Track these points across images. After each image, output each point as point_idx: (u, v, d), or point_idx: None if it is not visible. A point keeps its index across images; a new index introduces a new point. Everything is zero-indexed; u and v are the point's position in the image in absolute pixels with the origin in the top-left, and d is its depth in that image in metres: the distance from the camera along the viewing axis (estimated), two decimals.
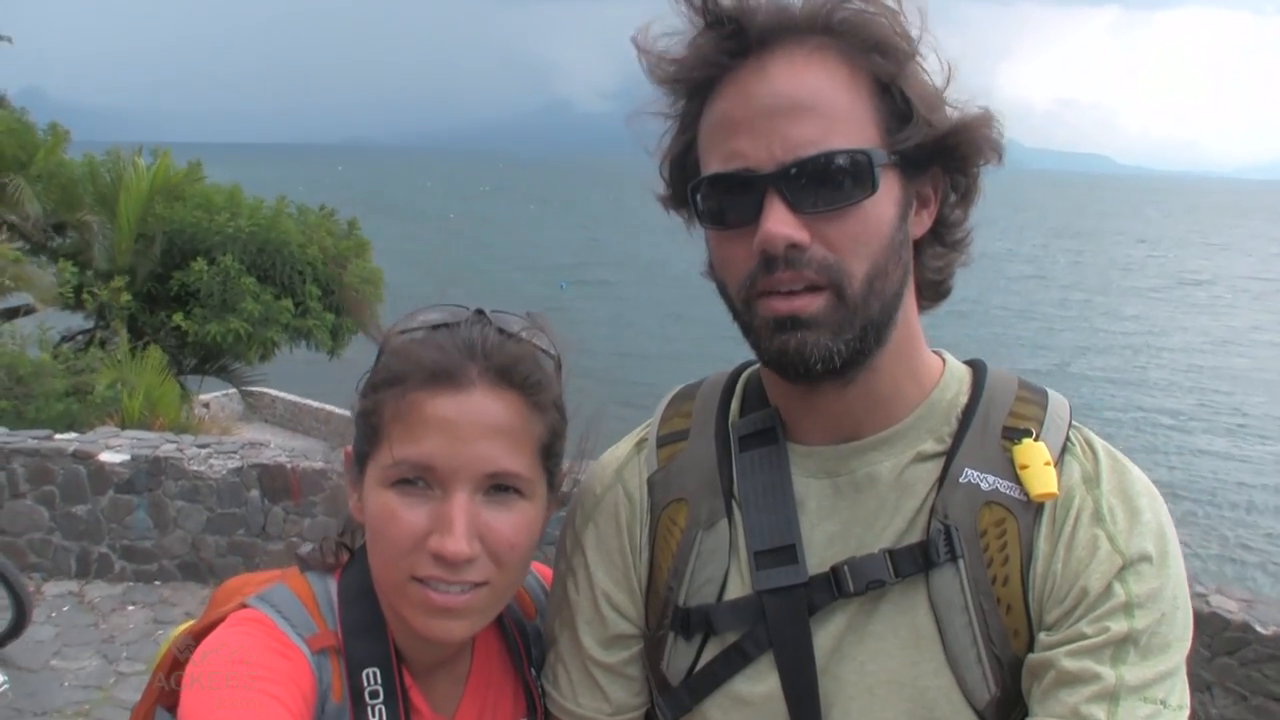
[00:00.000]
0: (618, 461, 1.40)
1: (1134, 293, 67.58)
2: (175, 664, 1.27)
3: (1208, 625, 5.71)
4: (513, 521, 1.19)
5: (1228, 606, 5.82)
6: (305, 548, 1.35)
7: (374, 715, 1.20)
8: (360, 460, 1.24)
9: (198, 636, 1.22)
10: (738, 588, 1.24)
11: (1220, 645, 5.72)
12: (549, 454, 1.26)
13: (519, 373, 1.20)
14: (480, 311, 1.27)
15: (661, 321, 44.44)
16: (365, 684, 1.21)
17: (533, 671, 1.40)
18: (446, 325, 1.24)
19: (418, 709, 1.26)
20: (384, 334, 1.28)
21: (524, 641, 1.42)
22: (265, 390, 20.87)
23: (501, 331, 1.24)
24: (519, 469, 1.19)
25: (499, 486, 1.18)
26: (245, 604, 1.23)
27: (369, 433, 1.21)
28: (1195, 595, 5.84)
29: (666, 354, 37.61)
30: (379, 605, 1.25)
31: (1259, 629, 5.64)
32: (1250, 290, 71.81)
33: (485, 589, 1.19)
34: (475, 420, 1.16)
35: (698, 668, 1.26)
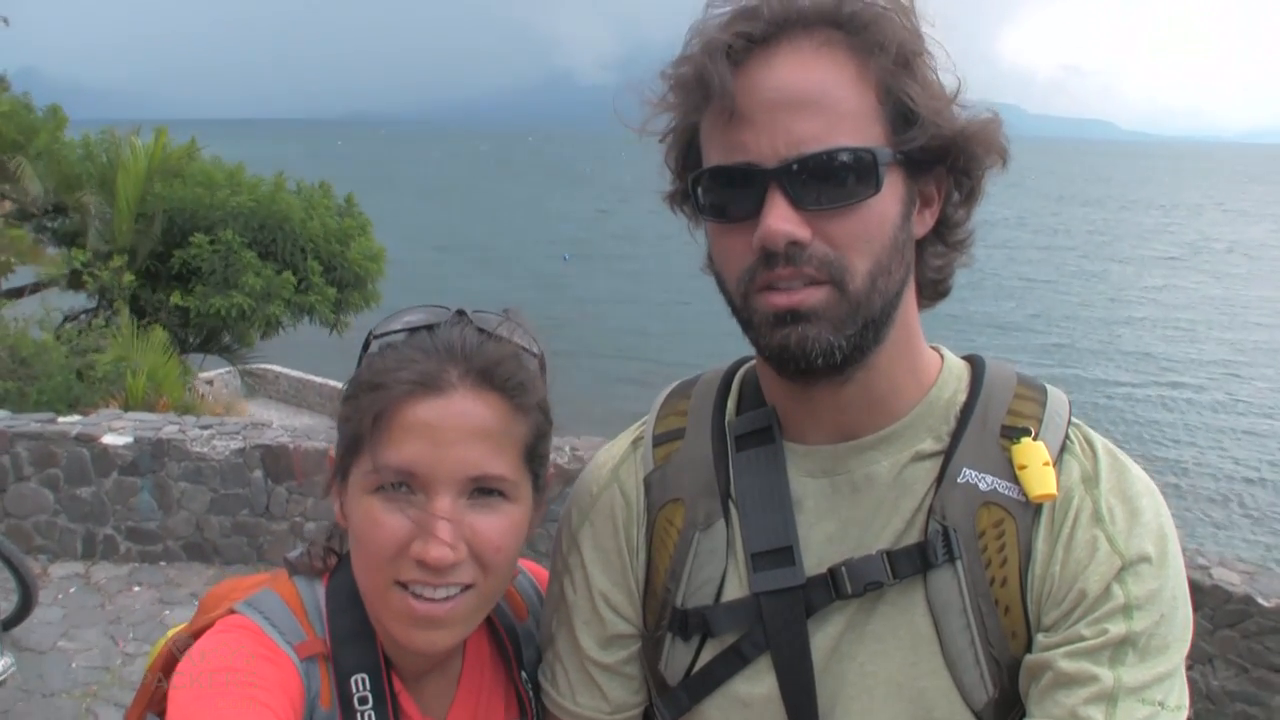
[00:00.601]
0: (613, 460, 1.39)
1: (1151, 261, 66.00)
2: (169, 664, 1.26)
3: (1210, 598, 5.71)
4: (497, 525, 1.18)
5: (1230, 579, 5.82)
6: (294, 552, 1.33)
7: None
8: (343, 466, 1.23)
9: (186, 643, 1.21)
10: (735, 589, 1.24)
11: (1222, 618, 5.73)
12: (533, 455, 1.24)
13: (501, 374, 1.19)
14: (461, 312, 1.25)
15: (666, 294, 44.18)
16: (354, 690, 1.20)
17: (522, 674, 1.40)
18: (426, 328, 1.22)
19: (408, 714, 1.26)
20: (365, 337, 1.26)
21: (514, 645, 1.41)
22: (269, 367, 20.91)
23: (482, 332, 1.22)
24: (502, 472, 1.17)
25: (483, 490, 1.17)
26: (233, 610, 1.22)
27: (351, 438, 1.19)
28: (1198, 568, 5.84)
29: (669, 331, 37.38)
30: (367, 611, 1.24)
31: (1261, 601, 5.64)
32: (1266, 257, 70.33)
33: (470, 593, 1.18)
34: (457, 424, 1.15)
35: (696, 668, 1.26)
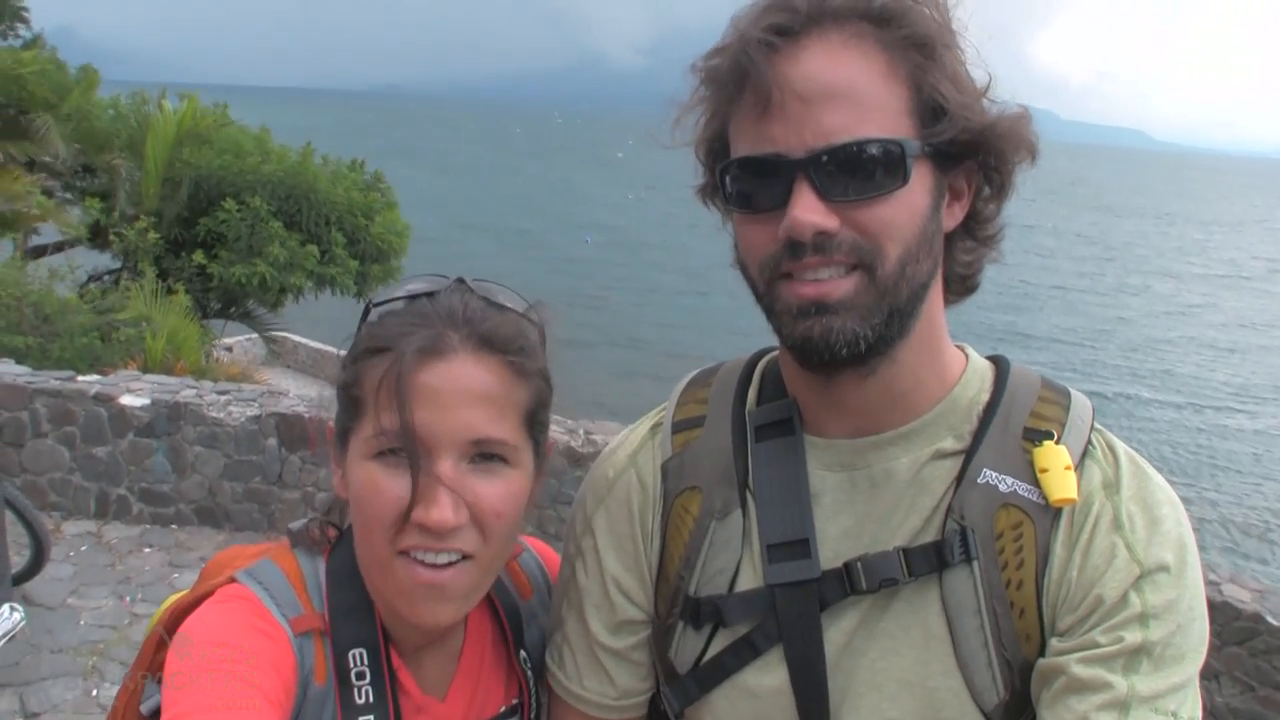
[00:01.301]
0: (631, 446, 1.38)
1: (1191, 278, 63.61)
2: (173, 623, 1.26)
3: (1219, 614, 5.68)
4: (499, 490, 1.17)
5: (1240, 596, 5.78)
6: (297, 523, 1.32)
7: (360, 696, 1.19)
8: (342, 434, 1.22)
9: (187, 609, 1.20)
10: (749, 579, 1.23)
11: (1230, 635, 5.69)
12: (534, 422, 1.23)
13: (501, 338, 1.18)
14: (461, 280, 1.25)
15: (687, 284, 43.83)
16: (351, 665, 1.20)
17: (521, 654, 1.39)
18: (427, 294, 1.22)
19: (406, 690, 1.25)
20: (364, 306, 1.26)
21: (514, 625, 1.40)
22: (288, 335, 21.00)
23: (483, 299, 1.22)
24: (503, 436, 1.17)
25: (484, 455, 1.16)
26: (234, 579, 1.22)
27: (350, 405, 1.19)
28: (1208, 583, 5.79)
29: (685, 324, 37.06)
30: (366, 586, 1.24)
31: (1271, 620, 5.60)
32: None
33: (470, 564, 1.17)
34: (457, 387, 1.14)
35: (706, 658, 1.25)
